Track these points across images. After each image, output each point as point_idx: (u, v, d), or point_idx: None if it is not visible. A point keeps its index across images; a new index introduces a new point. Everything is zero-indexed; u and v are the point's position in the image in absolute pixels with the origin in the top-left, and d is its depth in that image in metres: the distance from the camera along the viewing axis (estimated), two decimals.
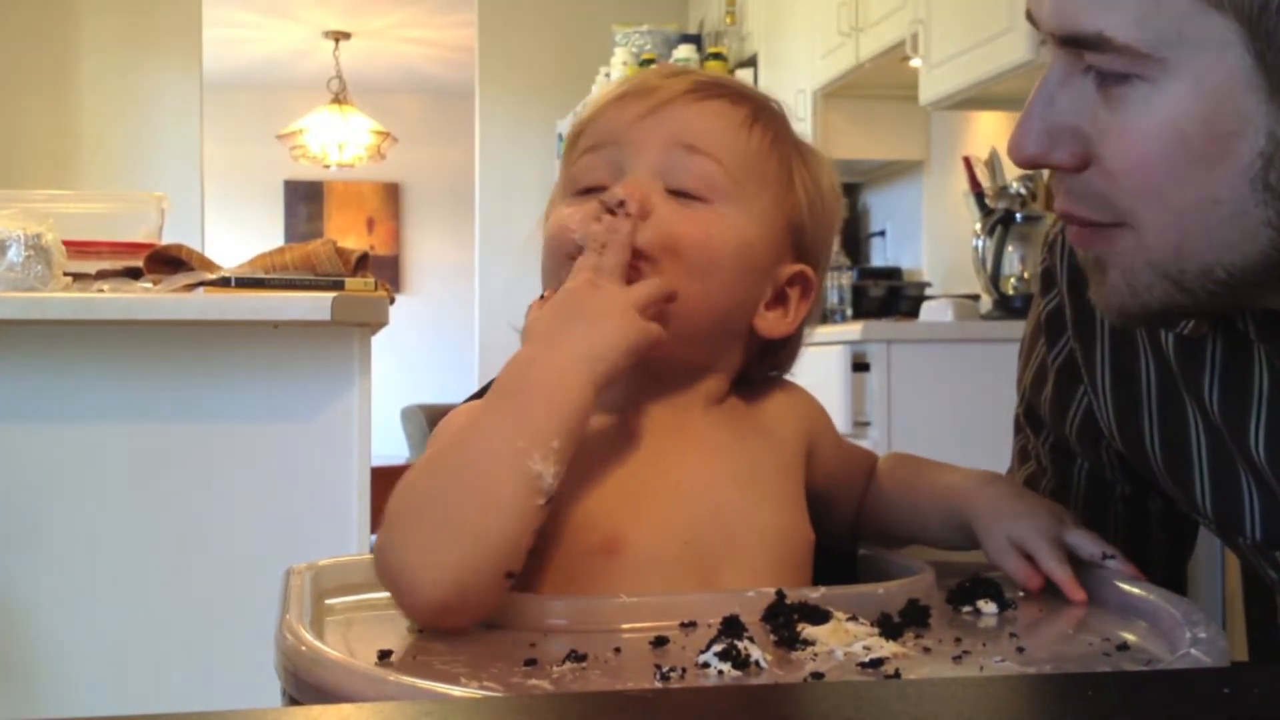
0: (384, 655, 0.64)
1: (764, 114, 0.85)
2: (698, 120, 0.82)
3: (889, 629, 0.67)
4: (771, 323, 0.85)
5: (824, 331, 3.11)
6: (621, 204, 0.77)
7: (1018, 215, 3.08)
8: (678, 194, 0.80)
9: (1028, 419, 1.02)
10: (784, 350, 0.89)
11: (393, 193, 7.80)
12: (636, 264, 0.77)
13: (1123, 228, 0.72)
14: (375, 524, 1.74)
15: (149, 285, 1.78)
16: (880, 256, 4.50)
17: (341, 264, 1.78)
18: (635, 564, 0.76)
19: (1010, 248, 3.10)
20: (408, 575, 0.68)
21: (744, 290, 0.82)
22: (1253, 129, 0.66)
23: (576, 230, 0.79)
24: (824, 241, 0.88)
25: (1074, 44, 0.69)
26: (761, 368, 0.88)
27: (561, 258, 0.80)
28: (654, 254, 0.78)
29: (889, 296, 3.80)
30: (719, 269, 0.80)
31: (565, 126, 5.01)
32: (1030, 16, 0.73)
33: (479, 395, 1.00)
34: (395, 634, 0.70)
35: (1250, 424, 0.79)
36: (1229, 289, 0.71)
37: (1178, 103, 0.66)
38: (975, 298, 3.24)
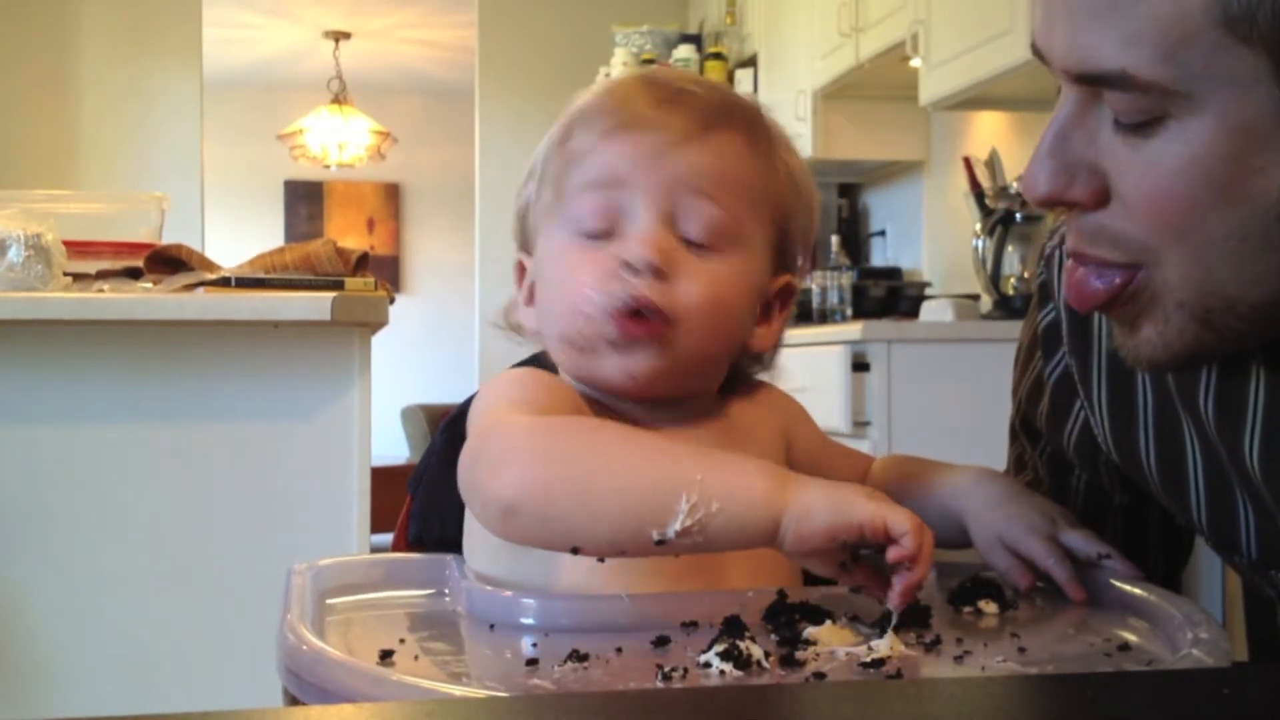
0: (385, 655, 0.64)
1: (757, 133, 0.84)
2: (703, 161, 0.81)
3: (889, 629, 0.67)
4: (761, 337, 0.88)
5: (824, 331, 3.11)
6: (652, 269, 0.78)
7: (1018, 215, 3.08)
8: (686, 242, 0.80)
9: (1023, 429, 1.02)
10: (770, 354, 0.91)
11: (393, 193, 7.79)
12: (658, 324, 0.78)
13: (1140, 269, 0.70)
14: (375, 524, 1.75)
15: (149, 285, 1.78)
16: (880, 256, 4.50)
17: (341, 264, 1.78)
18: (643, 564, 0.76)
19: (1010, 248, 3.10)
20: (487, 495, 0.71)
21: (745, 325, 0.85)
22: (1278, 164, 0.64)
23: (595, 292, 0.79)
24: (806, 243, 0.90)
25: (1093, 82, 0.68)
26: (744, 373, 0.91)
27: (578, 316, 0.79)
28: (676, 315, 0.79)
29: (889, 296, 3.80)
30: (729, 317, 0.82)
31: None
32: (1037, 52, 0.71)
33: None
34: (396, 634, 0.70)
35: (1245, 440, 0.79)
36: (1251, 325, 0.70)
37: (1202, 139, 0.65)
38: (975, 298, 3.24)
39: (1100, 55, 0.66)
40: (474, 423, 0.77)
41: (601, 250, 0.80)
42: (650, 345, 0.79)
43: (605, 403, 0.83)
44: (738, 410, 0.88)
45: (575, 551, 0.69)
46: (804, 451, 0.91)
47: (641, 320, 0.78)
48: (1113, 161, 0.69)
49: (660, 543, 0.66)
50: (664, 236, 0.79)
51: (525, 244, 0.87)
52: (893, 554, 0.65)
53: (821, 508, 0.66)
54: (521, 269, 0.88)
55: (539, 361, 0.96)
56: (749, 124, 0.84)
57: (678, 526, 0.65)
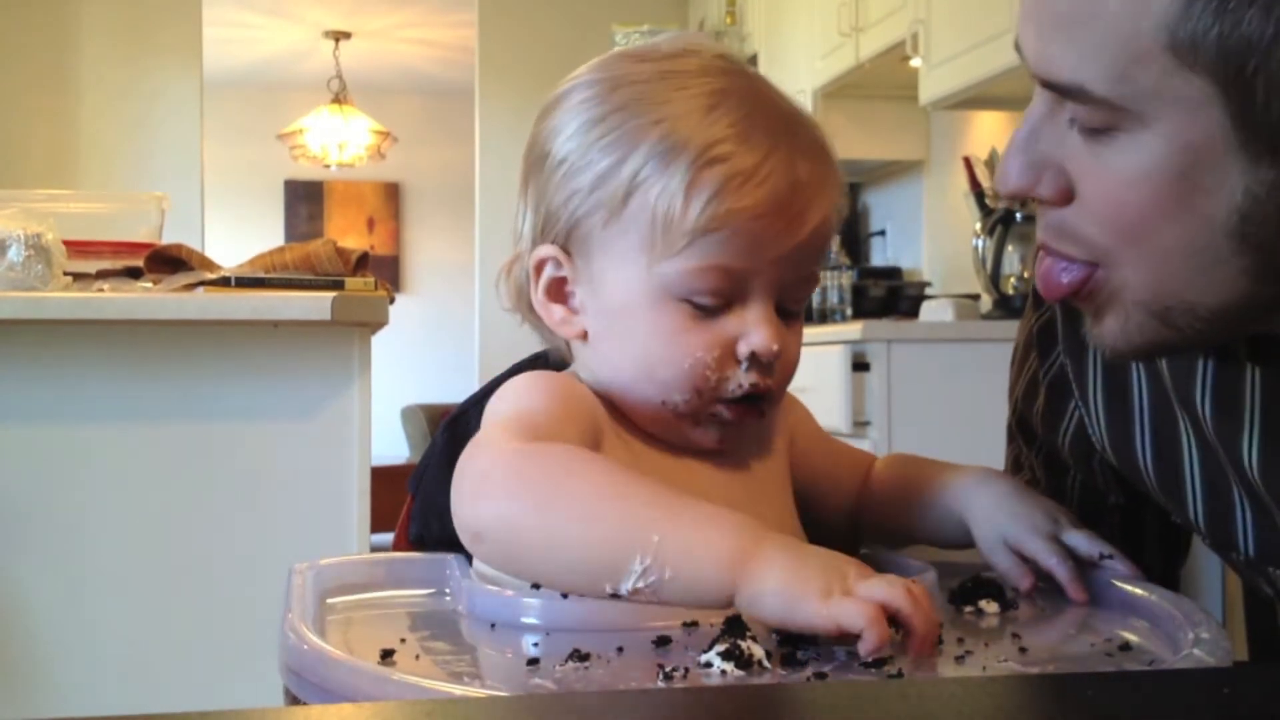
0: (386, 654, 0.64)
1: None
2: (821, 244, 0.81)
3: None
4: None
5: (824, 331, 3.11)
6: (774, 358, 0.79)
7: (1018, 215, 3.08)
8: (779, 308, 0.81)
9: (1020, 429, 1.02)
10: None
11: (393, 193, 7.79)
12: (764, 405, 0.81)
13: (1100, 268, 0.72)
14: (375, 524, 1.75)
15: (149, 285, 1.78)
16: (880, 256, 4.50)
17: (341, 264, 1.78)
18: None
19: (1010, 247, 3.10)
20: (472, 527, 0.70)
21: None
22: (1228, 184, 0.66)
23: (714, 374, 0.79)
24: None
25: (1053, 90, 0.69)
26: None
27: (691, 390, 0.79)
28: (776, 391, 0.82)
29: (889, 296, 3.80)
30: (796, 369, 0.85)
31: None
32: (1019, 49, 0.73)
33: (487, 391, 1.00)
34: (397, 633, 0.70)
35: (1243, 440, 0.79)
36: (1213, 326, 0.71)
37: (1153, 155, 0.66)
38: (975, 297, 3.24)
39: (1059, 68, 0.68)
40: (481, 427, 0.76)
41: (715, 325, 0.78)
42: (750, 423, 0.82)
43: (627, 413, 0.82)
44: None
45: (536, 587, 0.70)
46: (805, 452, 0.91)
47: (753, 406, 0.81)
48: (1076, 164, 0.71)
49: (615, 595, 0.66)
50: (776, 316, 0.80)
51: (564, 243, 0.82)
52: (862, 650, 0.61)
53: (772, 600, 0.63)
54: (544, 262, 0.83)
55: (547, 359, 0.95)
56: (837, 168, 0.84)
57: (630, 586, 0.65)
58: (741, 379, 0.79)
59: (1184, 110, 0.65)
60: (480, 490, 0.70)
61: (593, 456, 0.73)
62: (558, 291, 0.83)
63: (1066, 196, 0.71)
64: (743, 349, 0.79)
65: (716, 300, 0.78)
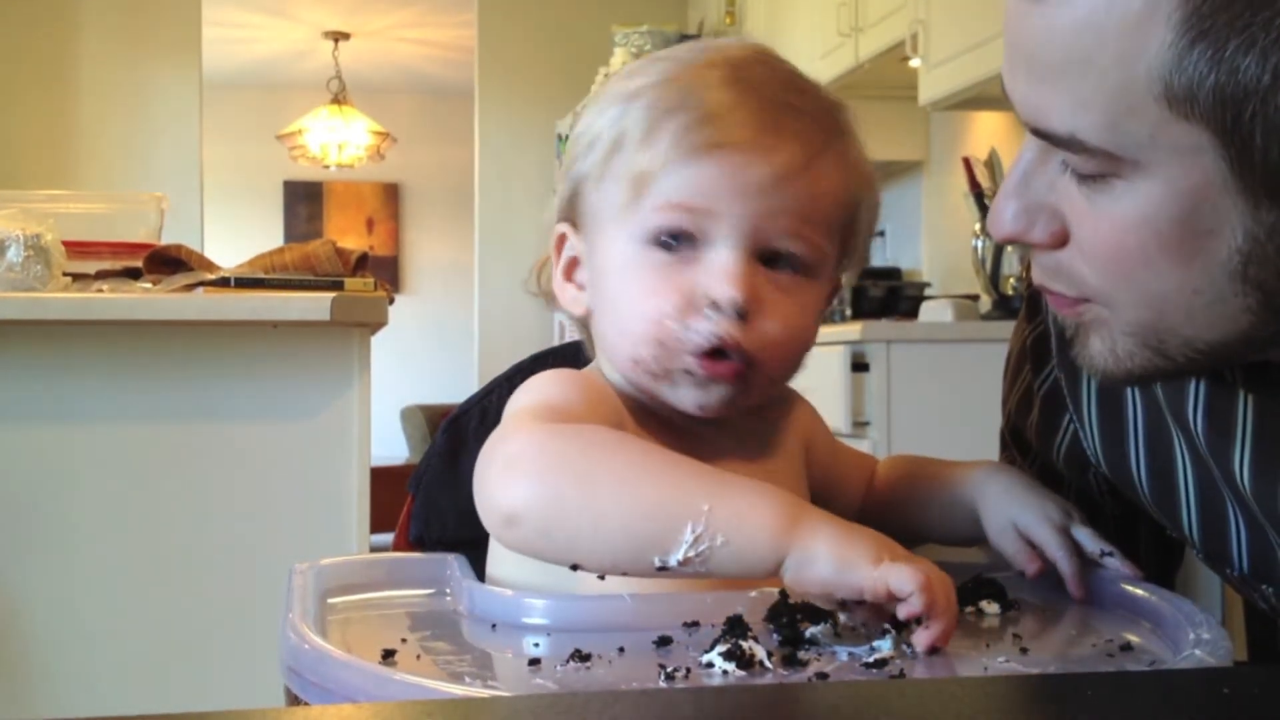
0: (387, 654, 0.64)
1: (848, 144, 0.81)
2: (799, 200, 0.77)
3: (892, 629, 0.67)
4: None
5: (824, 331, 3.10)
6: (739, 310, 0.75)
7: None
8: (770, 260, 0.78)
9: (1013, 439, 1.02)
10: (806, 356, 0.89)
11: (392, 193, 7.79)
12: (740, 364, 0.77)
13: (1098, 303, 0.72)
14: (375, 524, 1.75)
15: (149, 285, 1.78)
16: (880, 256, 4.50)
17: (341, 264, 1.78)
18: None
19: (1009, 248, 3.10)
20: (500, 509, 0.69)
21: (811, 344, 0.83)
22: (1229, 228, 0.65)
23: (677, 324, 0.76)
24: (868, 242, 0.87)
25: (1045, 139, 0.69)
26: None
27: (656, 344, 0.77)
28: (757, 354, 0.77)
29: (888, 296, 3.80)
30: (803, 345, 0.81)
31: (565, 126, 5.01)
32: (1006, 94, 0.72)
33: (487, 392, 1.00)
34: (397, 633, 0.70)
35: (1235, 456, 0.79)
36: (1210, 358, 0.71)
37: (1151, 201, 0.65)
38: (975, 298, 3.24)
39: (1051, 117, 0.67)
40: (502, 421, 0.76)
41: (681, 274, 0.76)
42: (730, 382, 0.78)
43: (648, 405, 0.82)
44: (772, 417, 0.87)
45: (575, 568, 0.68)
46: (818, 456, 0.91)
47: (724, 360, 0.77)
48: (1071, 209, 0.70)
49: (662, 569, 0.65)
50: (749, 271, 0.76)
51: (572, 217, 0.82)
52: (903, 612, 0.62)
53: (824, 563, 0.64)
54: (562, 240, 0.83)
55: (570, 352, 0.95)
56: (843, 138, 0.80)
57: (680, 556, 0.64)
58: (702, 328, 0.76)
59: (1180, 157, 0.64)
60: (512, 471, 0.69)
61: (627, 435, 0.72)
62: (572, 271, 0.84)
63: (1061, 240, 0.71)
64: (702, 297, 0.76)
65: (680, 241, 0.76)
